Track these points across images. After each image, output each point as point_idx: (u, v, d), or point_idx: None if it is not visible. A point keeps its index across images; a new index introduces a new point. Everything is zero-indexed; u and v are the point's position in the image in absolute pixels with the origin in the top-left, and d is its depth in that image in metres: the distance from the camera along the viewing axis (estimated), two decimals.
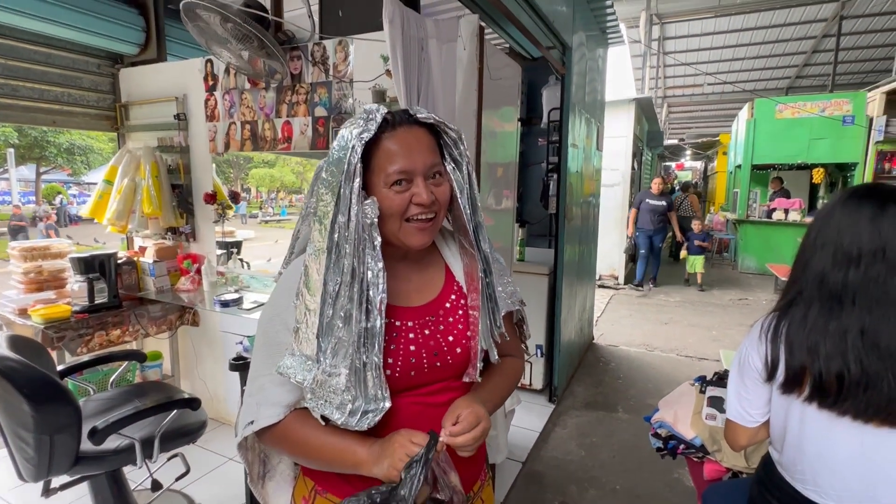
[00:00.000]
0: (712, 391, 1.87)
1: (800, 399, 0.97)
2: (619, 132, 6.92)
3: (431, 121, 0.85)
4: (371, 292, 0.79)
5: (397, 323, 0.87)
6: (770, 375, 1.01)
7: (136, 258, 2.79)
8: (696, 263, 7.04)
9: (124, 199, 2.65)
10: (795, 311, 0.99)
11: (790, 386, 0.98)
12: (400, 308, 0.88)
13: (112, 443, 1.77)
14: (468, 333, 0.90)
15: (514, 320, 1.05)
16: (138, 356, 2.26)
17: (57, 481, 1.83)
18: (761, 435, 1.10)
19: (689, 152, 18.08)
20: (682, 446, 1.88)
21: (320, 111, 2.38)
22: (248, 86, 2.55)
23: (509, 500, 2.38)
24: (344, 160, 0.77)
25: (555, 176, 3.35)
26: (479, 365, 0.88)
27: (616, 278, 7.41)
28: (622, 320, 5.65)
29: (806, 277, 1.00)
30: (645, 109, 7.91)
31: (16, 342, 1.79)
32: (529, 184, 4.30)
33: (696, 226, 7.13)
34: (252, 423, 0.84)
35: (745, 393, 1.07)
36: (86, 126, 2.94)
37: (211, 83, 2.66)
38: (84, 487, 1.95)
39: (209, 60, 2.63)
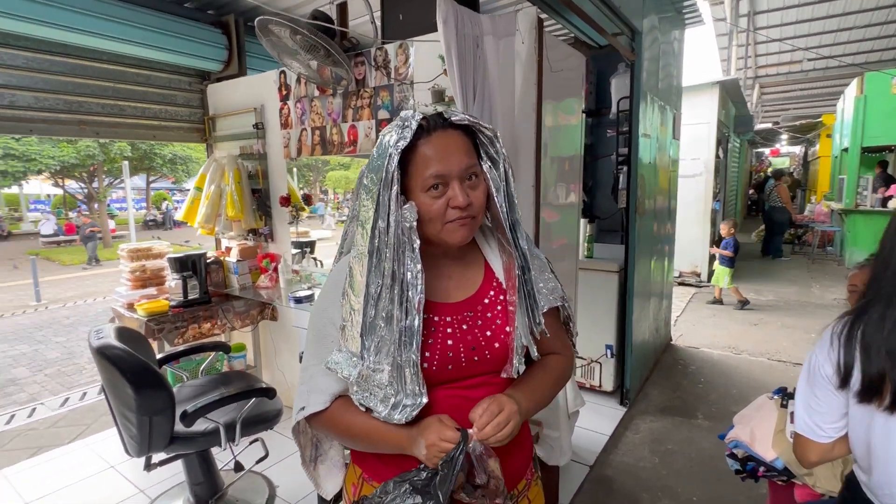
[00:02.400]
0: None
1: (881, 409, 0.86)
2: (700, 118, 6.44)
3: (466, 122, 0.85)
4: (410, 293, 0.82)
5: (435, 318, 0.89)
6: (843, 382, 0.89)
7: (222, 258, 3.05)
8: (719, 277, 5.64)
9: (211, 204, 2.90)
10: (873, 312, 0.88)
11: (868, 394, 0.87)
12: (439, 304, 0.90)
13: (200, 425, 1.96)
14: (507, 329, 0.90)
15: (560, 317, 1.02)
16: (224, 347, 2.47)
17: (156, 458, 2.05)
18: (837, 451, 0.97)
19: (785, 137, 16.42)
20: (762, 468, 1.72)
21: (383, 114, 2.45)
22: (317, 93, 2.68)
23: None
24: (382, 168, 0.80)
25: (625, 168, 3.20)
26: (519, 361, 0.88)
27: (698, 275, 6.92)
28: (705, 320, 5.27)
29: (887, 274, 0.88)
30: (731, 92, 7.31)
31: (123, 333, 2.02)
32: (600, 177, 4.13)
33: (723, 228, 5.74)
34: (303, 409, 0.91)
35: (815, 404, 0.96)
36: (180, 138, 3.26)
37: (284, 93, 2.83)
38: (179, 465, 2.17)
39: (282, 72, 2.81)
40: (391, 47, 2.36)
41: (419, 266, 0.82)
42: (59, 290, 9.26)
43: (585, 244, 3.40)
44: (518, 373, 0.88)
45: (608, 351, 3.27)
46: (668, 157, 3.88)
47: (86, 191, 17.46)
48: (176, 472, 2.30)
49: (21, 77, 2.53)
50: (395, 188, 0.80)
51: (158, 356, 2.28)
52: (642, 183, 3.16)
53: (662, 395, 3.46)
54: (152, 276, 2.92)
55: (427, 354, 0.86)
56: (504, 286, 0.94)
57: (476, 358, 0.88)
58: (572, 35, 3.11)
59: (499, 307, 0.92)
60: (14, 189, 19.83)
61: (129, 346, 1.84)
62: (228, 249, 3.16)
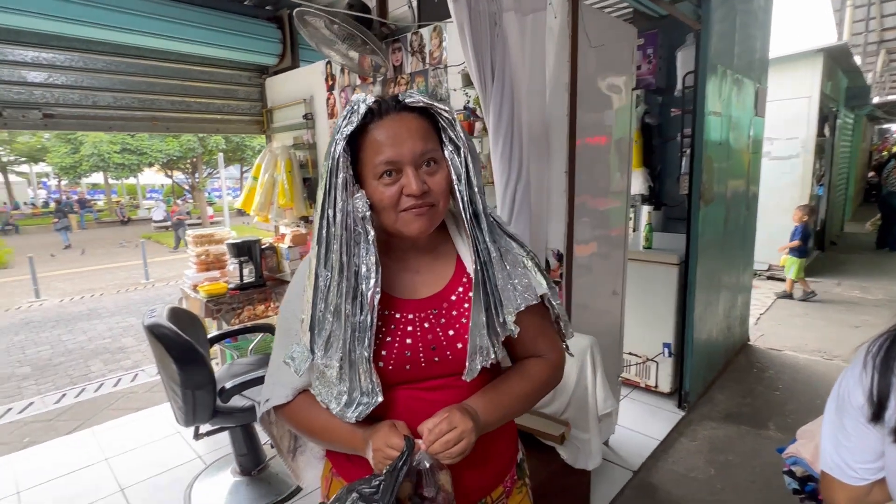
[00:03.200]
0: None
1: None
2: (797, 92, 5.69)
3: (421, 104, 0.79)
4: (363, 286, 0.78)
5: (396, 315, 0.84)
6: (876, 416, 0.72)
7: (276, 244, 3.21)
8: (788, 267, 5.17)
9: (265, 193, 3.06)
10: None
11: None
12: (402, 300, 0.86)
13: (238, 402, 2.09)
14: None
15: (548, 316, 0.93)
16: (270, 329, 2.60)
17: (203, 429, 2.21)
18: (875, 498, 0.79)
19: None
20: None
21: None
22: (358, 82, 2.71)
23: None
24: (329, 155, 0.77)
25: (688, 151, 2.90)
26: (480, 363, 0.80)
27: None
28: (793, 320, 4.71)
29: None
30: (840, 61, 6.36)
31: (176, 313, 2.19)
32: (668, 161, 3.81)
33: (795, 214, 5.20)
34: (267, 401, 0.90)
35: (843, 438, 0.79)
36: (241, 131, 3.47)
37: (330, 83, 2.89)
38: (226, 436, 2.33)
39: (328, 62, 2.86)
40: (426, 31, 2.31)
41: (374, 258, 0.78)
42: (164, 270, 10.38)
43: (644, 233, 3.15)
44: (473, 376, 0.81)
45: (665, 349, 3.02)
46: (746, 137, 3.47)
47: (189, 181, 19.35)
48: (224, 444, 2.48)
49: (102, 79, 2.81)
50: (342, 176, 0.76)
51: (210, 335, 2.46)
52: (708, 167, 2.84)
53: (730, 400, 3.15)
54: (215, 260, 3.15)
55: (384, 353, 0.82)
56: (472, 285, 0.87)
57: (436, 359, 0.83)
58: (630, 7, 2.85)
59: (466, 304, 0.86)
60: (132, 180, 22.44)
61: (179, 326, 1.99)
62: (283, 236, 3.32)
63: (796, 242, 5.04)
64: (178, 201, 20.28)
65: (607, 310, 2.42)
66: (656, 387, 3.09)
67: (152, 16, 2.67)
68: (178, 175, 20.03)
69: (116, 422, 3.08)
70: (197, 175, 18.69)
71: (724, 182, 3.15)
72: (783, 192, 5.95)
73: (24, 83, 2.60)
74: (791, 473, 1.62)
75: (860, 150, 11.36)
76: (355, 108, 0.77)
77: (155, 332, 1.92)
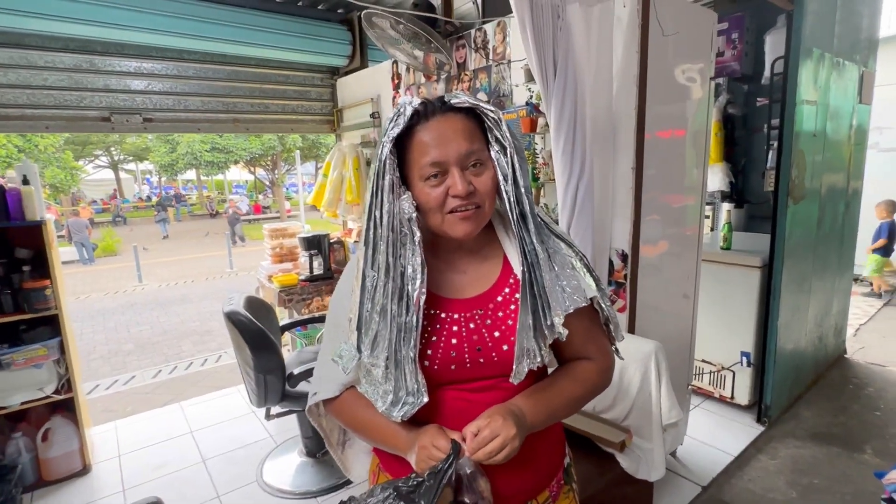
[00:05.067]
0: None
1: None
2: None
3: (467, 104, 0.79)
4: (409, 287, 0.79)
5: (442, 315, 0.85)
6: None
7: (344, 238, 3.35)
8: (870, 265, 4.74)
9: (333, 189, 3.19)
10: None
11: None
12: (448, 300, 0.86)
13: (305, 387, 2.21)
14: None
15: (598, 319, 0.90)
16: None
17: (274, 411, 2.37)
18: None
19: None
20: None
21: (482, 96, 2.40)
22: (423, 80, 2.75)
23: None
24: (377, 157, 0.79)
25: (775, 144, 2.65)
26: (527, 366, 0.79)
27: None
28: None
29: None
30: None
31: (251, 302, 2.36)
32: (753, 155, 3.52)
33: (878, 211, 4.77)
34: (315, 394, 0.94)
35: None
36: (313, 130, 3.64)
37: (396, 82, 2.95)
38: (294, 419, 2.48)
39: (395, 62, 2.93)
40: (490, 27, 2.29)
41: (419, 259, 0.79)
42: (247, 260, 11.19)
43: (722, 233, 2.93)
44: (520, 378, 0.80)
45: (744, 359, 2.80)
46: (848, 128, 3.11)
47: (269, 177, 20.64)
48: (295, 424, 2.64)
49: (191, 85, 3.08)
50: (389, 178, 0.77)
51: (282, 323, 2.62)
52: (799, 160, 2.59)
53: (819, 418, 2.86)
54: (288, 252, 3.35)
55: (429, 353, 0.82)
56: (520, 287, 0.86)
57: (481, 360, 0.83)
58: None
59: (512, 306, 0.85)
60: (220, 176, 24.32)
61: (253, 314, 2.14)
62: (350, 231, 3.45)
63: (882, 242, 4.62)
64: (261, 196, 21.69)
65: (677, 314, 2.28)
66: (732, 398, 2.87)
67: (235, 24, 2.88)
68: (260, 171, 21.45)
69: (202, 398, 3.37)
70: (276, 172, 19.90)
71: (819, 177, 2.85)
72: (888, 188, 5.28)
73: (128, 91, 2.90)
74: (892, 501, 1.47)
75: None
76: (401, 110, 0.78)
77: (232, 318, 2.07)
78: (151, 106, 2.98)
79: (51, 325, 2.37)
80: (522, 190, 0.80)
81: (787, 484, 2.30)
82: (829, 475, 2.35)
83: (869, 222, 4.50)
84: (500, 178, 0.79)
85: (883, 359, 3.63)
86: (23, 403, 2.28)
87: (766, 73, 2.87)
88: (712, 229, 3.53)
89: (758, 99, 3.13)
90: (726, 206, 3.26)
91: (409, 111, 0.78)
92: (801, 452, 2.53)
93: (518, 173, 0.80)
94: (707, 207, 3.21)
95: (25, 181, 2.25)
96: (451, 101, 0.79)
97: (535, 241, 0.81)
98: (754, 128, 3.46)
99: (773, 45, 2.81)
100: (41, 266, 2.32)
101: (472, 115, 0.80)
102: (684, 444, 2.47)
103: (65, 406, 2.42)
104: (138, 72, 2.91)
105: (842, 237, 3.33)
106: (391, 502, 0.77)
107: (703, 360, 2.94)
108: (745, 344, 2.79)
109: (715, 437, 2.63)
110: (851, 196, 3.35)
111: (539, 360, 0.79)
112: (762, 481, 2.32)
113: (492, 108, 0.79)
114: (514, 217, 0.80)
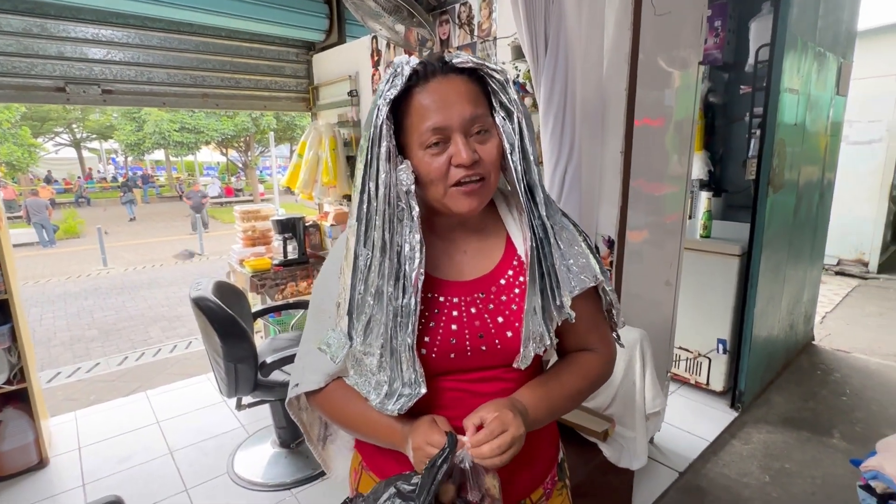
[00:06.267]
0: None
1: None
2: (882, 70, 5.13)
3: (470, 64, 0.70)
4: (407, 267, 0.71)
5: (441, 299, 0.77)
6: None
7: (320, 222, 3.22)
8: None
9: (309, 170, 3.05)
10: None
11: None
12: (448, 282, 0.78)
13: (278, 376, 2.11)
14: (523, 315, 0.75)
15: (600, 305, 0.84)
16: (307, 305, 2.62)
17: (245, 401, 2.26)
18: None
19: None
20: None
21: None
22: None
23: None
24: (370, 123, 0.69)
25: (757, 132, 2.64)
26: (533, 350, 0.73)
27: (865, 264, 5.68)
28: (866, 320, 4.32)
29: None
30: None
31: (221, 287, 2.23)
32: (732, 144, 3.53)
33: None
34: (297, 385, 0.85)
35: None
36: (288, 108, 3.48)
37: (376, 59, 2.82)
38: (267, 408, 2.38)
39: (374, 37, 2.79)
40: (475, 1, 2.19)
41: (419, 237, 0.71)
42: (217, 244, 10.86)
43: (702, 221, 2.93)
44: (527, 363, 0.74)
45: (720, 346, 2.83)
46: (825, 119, 3.14)
47: (242, 159, 20.03)
48: (267, 414, 2.54)
49: (156, 55, 2.87)
50: (385, 145, 0.68)
51: (254, 310, 2.50)
52: (781, 150, 2.59)
53: (789, 403, 2.92)
54: (261, 235, 3.20)
55: (427, 339, 0.75)
56: (526, 265, 0.79)
57: (484, 347, 0.76)
58: None
59: (517, 290, 0.78)
60: (190, 157, 23.47)
61: (223, 300, 2.02)
62: (326, 214, 3.33)
63: None
64: (233, 178, 21.03)
65: (659, 301, 2.27)
66: (707, 384, 2.91)
67: None
68: (233, 153, 20.79)
69: (169, 386, 3.23)
70: (249, 154, 19.31)
71: (797, 168, 2.87)
72: (861, 180, 5.44)
73: (85, 59, 2.68)
74: (869, 488, 1.48)
75: None
76: (399, 70, 0.69)
77: (200, 304, 1.95)
78: (111, 77, 2.77)
79: (1, 312, 2.20)
80: (532, 158, 0.73)
81: (760, 469, 2.33)
82: (799, 460, 2.39)
83: (838, 214, 4.60)
84: (507, 146, 0.72)
85: (848, 345, 3.75)
86: None
87: (751, 60, 2.85)
88: (690, 217, 3.54)
89: (741, 87, 3.11)
90: (705, 195, 3.26)
91: (406, 71, 0.69)
92: (773, 437, 2.58)
93: (526, 141, 0.72)
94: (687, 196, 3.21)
95: None
96: (453, 61, 0.70)
97: (543, 214, 0.74)
98: (734, 117, 3.46)
99: (758, 31, 2.79)
100: None
101: (476, 76, 0.72)
102: (661, 430, 2.48)
103: (18, 397, 2.26)
104: (96, 38, 2.69)
105: (815, 227, 3.38)
106: (394, 500, 0.70)
107: (681, 348, 2.96)
108: (721, 331, 2.81)
109: (691, 423, 2.66)
110: (826, 187, 3.41)
111: (547, 342, 0.73)
112: (736, 466, 2.35)
113: (498, 69, 0.71)
114: (522, 188, 0.73)
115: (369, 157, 0.70)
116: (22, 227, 12.06)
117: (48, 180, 21.32)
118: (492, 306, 0.77)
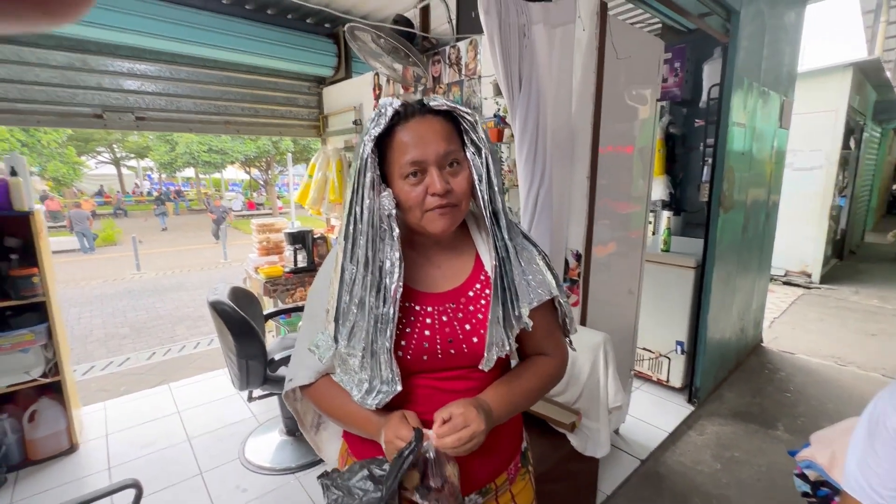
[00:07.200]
0: None
1: None
2: (823, 106, 5.20)
3: (445, 107, 0.73)
4: (387, 280, 0.73)
5: (417, 307, 0.79)
6: None
7: (327, 234, 3.23)
8: None
9: (318, 189, 3.07)
10: None
11: None
12: (423, 293, 0.80)
13: (284, 371, 2.10)
14: (487, 324, 0.77)
15: (556, 317, 0.85)
16: None
17: (256, 394, 2.25)
18: None
19: None
20: (837, 498, 1.33)
21: None
22: (401, 91, 2.65)
23: (618, 496, 2.06)
24: (358, 155, 0.72)
25: (709, 160, 2.68)
26: (495, 354, 0.75)
27: (808, 276, 5.71)
28: (808, 325, 4.34)
29: None
30: (871, 75, 5.76)
31: (236, 292, 2.23)
32: (690, 169, 3.56)
33: None
34: (291, 380, 0.87)
35: (873, 461, 0.67)
36: (300, 134, 3.49)
37: (377, 92, 2.85)
38: (276, 400, 2.37)
39: (376, 74, 2.82)
40: (463, 44, 2.22)
41: (398, 254, 0.73)
42: (240, 252, 10.82)
43: (662, 237, 2.95)
44: (490, 366, 0.76)
45: (678, 347, 2.84)
46: (769, 148, 3.18)
47: (263, 177, 20.04)
48: (276, 405, 2.52)
49: (184, 87, 2.89)
50: (370, 175, 0.71)
51: (266, 312, 2.49)
52: (729, 176, 2.62)
53: (739, 398, 2.92)
54: (274, 246, 3.20)
55: (403, 343, 0.77)
56: (491, 280, 0.81)
57: (452, 351, 0.77)
58: (660, 22, 2.65)
59: (483, 301, 0.80)
60: (217, 175, 23.48)
61: (237, 303, 2.02)
62: (333, 227, 3.33)
63: None
64: (255, 194, 21.00)
65: (623, 307, 2.28)
66: (668, 381, 2.91)
67: (227, 32, 2.71)
68: (255, 171, 20.80)
69: (190, 379, 3.20)
70: (269, 172, 19.34)
71: (745, 191, 2.90)
72: (805, 201, 5.49)
73: (121, 90, 2.70)
74: (803, 476, 1.47)
75: (886, 163, 10.35)
76: (383, 111, 0.72)
77: (216, 307, 1.95)
78: (144, 105, 2.78)
79: (39, 312, 2.19)
80: (496, 189, 0.75)
81: (712, 457, 2.33)
82: (747, 449, 2.39)
83: (785, 232, 4.62)
84: (475, 178, 0.74)
85: (792, 347, 3.76)
86: (9, 386, 2.09)
87: (704, 97, 2.90)
88: (654, 233, 3.57)
89: (695, 120, 3.16)
90: (666, 214, 3.28)
91: (390, 112, 0.71)
92: (725, 429, 2.58)
93: (492, 173, 0.75)
94: (650, 215, 3.23)
95: (13, 172, 2.06)
96: (431, 104, 0.73)
97: (506, 237, 0.76)
98: (691, 146, 3.50)
99: (710, 73, 2.84)
100: (31, 255, 2.13)
101: (450, 117, 0.74)
102: (626, 422, 2.48)
103: (52, 388, 2.24)
104: (131, 72, 2.71)
105: (762, 243, 3.41)
106: (365, 482, 0.71)
107: (644, 348, 2.96)
108: (679, 334, 2.82)
109: (652, 415, 2.65)
110: (771, 207, 3.44)
111: (507, 348, 0.75)
112: (692, 455, 2.35)
113: (468, 112, 0.74)
114: (488, 214, 0.75)
115: (356, 185, 0.72)
116: (65, 236, 12.01)
117: (100, 193, 21.33)
118: (461, 315, 0.79)
